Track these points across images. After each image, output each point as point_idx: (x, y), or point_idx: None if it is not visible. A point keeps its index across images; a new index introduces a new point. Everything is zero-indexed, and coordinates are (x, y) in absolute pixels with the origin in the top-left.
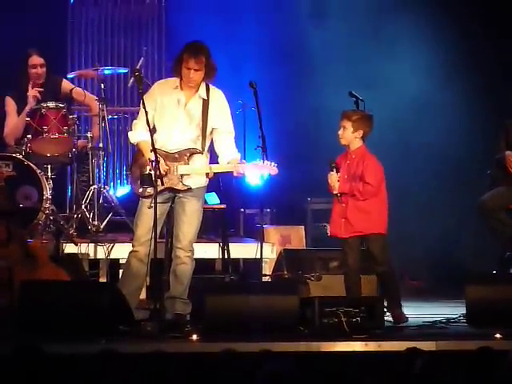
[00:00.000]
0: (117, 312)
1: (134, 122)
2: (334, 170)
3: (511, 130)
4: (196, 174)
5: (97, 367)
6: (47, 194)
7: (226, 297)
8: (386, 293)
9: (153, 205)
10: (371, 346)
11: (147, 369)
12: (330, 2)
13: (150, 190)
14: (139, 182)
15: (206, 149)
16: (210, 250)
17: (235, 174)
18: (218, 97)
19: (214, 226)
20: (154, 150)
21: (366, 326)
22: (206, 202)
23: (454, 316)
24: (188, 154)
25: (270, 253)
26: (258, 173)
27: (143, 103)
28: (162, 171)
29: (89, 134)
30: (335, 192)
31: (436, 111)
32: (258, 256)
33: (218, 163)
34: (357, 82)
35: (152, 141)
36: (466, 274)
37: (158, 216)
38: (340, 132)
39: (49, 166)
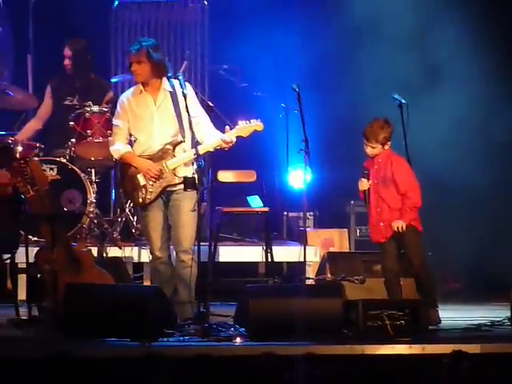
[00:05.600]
0: (162, 315)
1: (110, 138)
2: (366, 176)
3: None
4: (187, 160)
5: (142, 370)
6: (91, 197)
7: (269, 300)
8: (421, 292)
9: (196, 208)
10: (415, 349)
11: (192, 372)
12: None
13: (149, 196)
14: (135, 193)
15: (189, 138)
16: (253, 253)
17: (224, 146)
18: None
19: (257, 230)
20: (197, 154)
21: (409, 328)
22: (249, 205)
23: (499, 319)
24: (172, 148)
25: (313, 256)
26: (246, 133)
27: (116, 118)
28: (154, 175)
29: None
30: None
31: (474, 120)
32: (302, 259)
33: None
34: (402, 85)
35: (194, 141)
36: (510, 277)
37: (161, 223)
38: (368, 150)
39: (93, 170)
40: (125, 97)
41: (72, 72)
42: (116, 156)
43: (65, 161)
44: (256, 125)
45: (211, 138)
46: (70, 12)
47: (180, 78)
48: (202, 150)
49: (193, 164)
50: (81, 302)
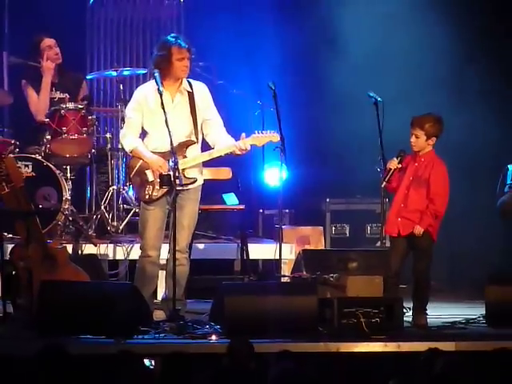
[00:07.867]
0: (136, 312)
1: (122, 131)
2: (399, 158)
3: None
4: (198, 161)
5: (117, 367)
6: (66, 194)
7: (245, 298)
8: (416, 295)
9: (172, 207)
10: (390, 347)
11: (168, 369)
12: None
13: (156, 194)
14: (142, 188)
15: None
16: (228, 251)
17: (238, 152)
18: (201, 88)
19: (233, 227)
20: (172, 151)
21: (385, 326)
22: (224, 202)
23: (474, 316)
24: (185, 148)
25: (288, 253)
26: (261, 142)
27: (131, 111)
28: (164, 172)
29: (108, 135)
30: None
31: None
32: (277, 257)
33: None
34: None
35: (171, 141)
36: (486, 275)
37: (161, 222)
38: (413, 140)
39: (68, 167)
40: (141, 91)
41: (59, 63)
42: (127, 149)
43: (40, 158)
44: (272, 135)
45: (224, 143)
46: (46, 9)
47: (156, 75)
48: (214, 153)
49: (201, 165)
50: (56, 300)
